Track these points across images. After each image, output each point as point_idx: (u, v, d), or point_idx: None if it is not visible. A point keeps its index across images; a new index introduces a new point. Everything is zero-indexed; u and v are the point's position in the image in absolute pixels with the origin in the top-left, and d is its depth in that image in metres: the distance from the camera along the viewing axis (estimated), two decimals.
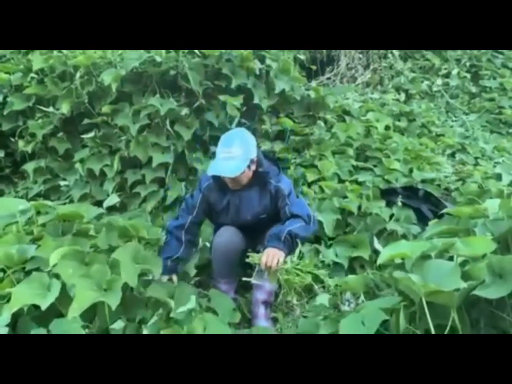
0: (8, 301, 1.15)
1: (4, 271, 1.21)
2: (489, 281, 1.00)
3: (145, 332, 1.10)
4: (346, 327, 1.11)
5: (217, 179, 1.78)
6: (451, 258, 1.17)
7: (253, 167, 1.76)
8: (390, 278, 1.27)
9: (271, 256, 1.50)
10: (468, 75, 5.77)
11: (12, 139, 3.03)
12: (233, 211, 1.79)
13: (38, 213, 1.55)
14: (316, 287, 1.53)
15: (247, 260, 1.57)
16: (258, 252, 1.59)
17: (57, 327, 0.99)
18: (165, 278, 1.63)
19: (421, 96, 5.34)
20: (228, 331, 1.23)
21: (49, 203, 1.66)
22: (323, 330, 1.18)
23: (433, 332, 1.06)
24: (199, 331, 1.11)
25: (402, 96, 5.11)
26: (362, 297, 1.49)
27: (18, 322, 1.12)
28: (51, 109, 2.94)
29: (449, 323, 1.05)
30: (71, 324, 1.00)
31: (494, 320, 1.18)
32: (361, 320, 1.11)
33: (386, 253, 1.26)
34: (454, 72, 5.72)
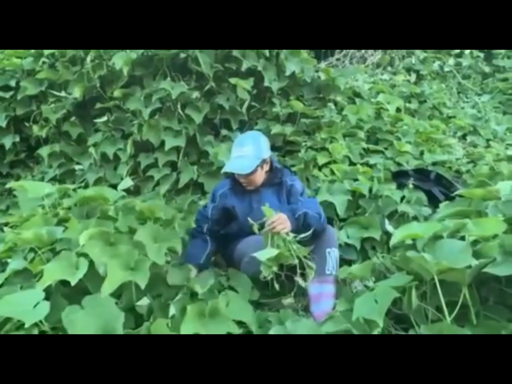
0: (39, 278, 1.22)
1: (34, 251, 1.28)
2: (500, 259, 1.03)
3: (171, 309, 1.16)
4: (360, 305, 1.16)
5: (234, 184, 1.84)
6: (462, 239, 1.20)
7: (266, 168, 1.81)
8: (401, 260, 1.30)
9: (281, 220, 1.51)
10: (481, 55, 5.64)
11: (27, 124, 3.08)
12: (256, 211, 1.78)
13: (62, 196, 1.61)
14: (296, 276, 1.46)
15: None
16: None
17: (90, 303, 1.06)
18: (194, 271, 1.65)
19: (432, 76, 5.25)
20: (249, 308, 1.29)
21: (70, 186, 1.72)
22: (340, 307, 1.23)
23: (444, 309, 1.10)
24: (222, 307, 1.17)
25: (413, 77, 5.03)
26: (371, 282, 1.52)
27: (50, 300, 1.18)
28: (63, 93, 2.98)
29: (460, 300, 1.10)
30: (103, 299, 1.06)
31: (503, 298, 1.22)
32: (373, 298, 1.16)
33: (399, 234, 1.30)
34: (467, 51, 5.59)
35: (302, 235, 1.54)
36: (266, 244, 1.47)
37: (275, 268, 1.41)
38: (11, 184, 1.65)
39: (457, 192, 1.57)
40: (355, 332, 1.07)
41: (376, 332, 1.00)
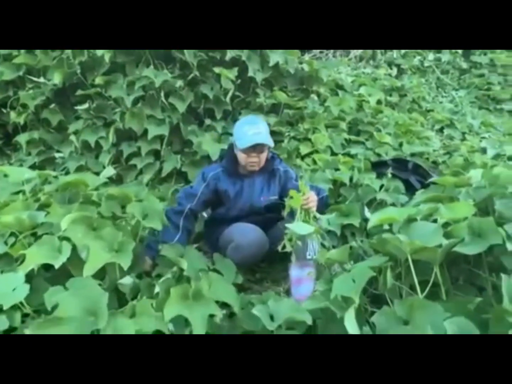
0: (21, 263, 1.21)
1: (15, 235, 1.27)
2: (468, 240, 1.10)
3: (157, 288, 1.18)
4: (338, 284, 1.21)
5: (228, 167, 1.87)
6: (435, 222, 1.26)
7: (267, 153, 1.87)
8: (378, 243, 1.36)
9: (312, 198, 1.61)
10: (460, 51, 5.79)
11: (4, 110, 2.99)
12: (247, 196, 1.87)
13: (43, 182, 1.59)
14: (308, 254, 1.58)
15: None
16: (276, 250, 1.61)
17: (74, 284, 1.06)
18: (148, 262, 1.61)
19: (413, 71, 5.37)
20: (232, 289, 1.32)
21: (51, 173, 1.70)
22: (319, 287, 1.28)
23: (417, 287, 1.17)
24: (205, 288, 1.20)
25: (394, 71, 5.14)
26: (349, 265, 1.59)
27: (32, 284, 1.18)
28: (42, 79, 2.90)
29: (432, 279, 1.16)
30: (86, 281, 1.07)
31: (471, 277, 1.29)
32: (351, 278, 1.21)
33: (375, 218, 1.35)
34: None
35: (320, 215, 1.68)
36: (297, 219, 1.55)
37: (299, 242, 1.50)
38: None
39: (431, 180, 1.64)
40: (333, 308, 1.12)
41: (352, 308, 1.05)
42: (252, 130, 1.80)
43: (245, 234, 1.76)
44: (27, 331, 0.95)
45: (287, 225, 1.47)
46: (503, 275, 0.96)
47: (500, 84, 5.11)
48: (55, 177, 1.67)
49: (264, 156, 1.84)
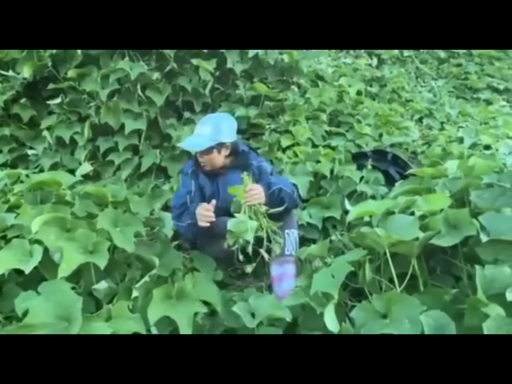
0: None
1: None
2: (444, 232, 1.11)
3: (135, 292, 1.15)
4: (318, 280, 1.21)
5: (198, 167, 1.81)
6: (412, 214, 1.27)
7: (225, 153, 1.77)
8: (357, 237, 1.37)
9: (256, 191, 1.52)
10: None
11: None
12: (222, 194, 1.80)
13: (14, 182, 1.52)
14: (261, 250, 1.48)
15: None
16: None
17: (46, 288, 1.02)
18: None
19: (393, 61, 5.40)
20: (215, 288, 1.31)
21: (22, 171, 1.63)
22: (300, 283, 1.28)
23: (395, 280, 1.18)
24: (188, 288, 1.18)
25: (375, 61, 5.15)
26: (330, 260, 1.59)
27: (3, 289, 1.14)
28: (11, 72, 2.77)
29: (410, 271, 1.17)
30: (60, 285, 1.03)
31: (448, 267, 1.31)
32: (330, 273, 1.21)
33: (354, 211, 1.36)
34: None
35: (275, 210, 1.56)
36: (238, 212, 1.47)
37: (241, 240, 1.41)
38: None
39: (409, 171, 1.65)
40: (312, 304, 1.12)
41: (331, 304, 1.05)
42: (196, 130, 1.76)
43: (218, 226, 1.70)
44: None
45: (228, 220, 1.42)
46: (477, 267, 0.98)
47: (477, 74, 5.21)
48: (27, 176, 1.60)
49: (210, 158, 1.74)
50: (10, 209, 1.36)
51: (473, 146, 2.81)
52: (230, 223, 1.42)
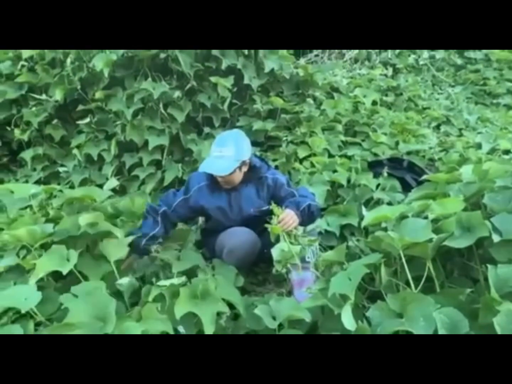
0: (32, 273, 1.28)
1: (26, 248, 1.33)
2: (457, 234, 1.14)
3: (155, 290, 1.24)
4: (335, 283, 1.25)
5: (211, 181, 1.82)
6: (427, 218, 1.31)
7: (245, 169, 1.79)
8: (373, 241, 1.40)
9: (289, 217, 1.55)
10: None
11: (8, 128, 3.08)
12: (236, 208, 1.83)
13: (49, 197, 1.65)
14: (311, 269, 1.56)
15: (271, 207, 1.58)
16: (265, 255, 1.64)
17: (81, 290, 1.12)
18: (132, 259, 1.61)
19: (408, 70, 5.42)
20: (236, 291, 1.38)
21: (56, 187, 1.77)
22: (318, 286, 1.33)
23: (411, 282, 1.21)
24: (212, 288, 1.25)
25: (390, 71, 5.18)
26: (347, 265, 1.63)
27: (44, 294, 1.25)
28: (44, 96, 2.99)
29: (425, 273, 1.20)
30: (94, 287, 1.13)
31: (466, 270, 1.34)
32: (347, 276, 1.25)
33: (369, 216, 1.40)
34: None
35: (310, 227, 1.64)
36: (277, 241, 1.54)
37: (288, 265, 1.49)
38: None
39: (424, 177, 1.69)
40: (330, 306, 1.17)
41: (348, 304, 1.09)
42: (215, 152, 1.72)
43: (235, 237, 1.76)
44: None
45: (273, 251, 1.49)
46: (489, 266, 1.00)
47: (496, 79, 5.14)
48: (60, 191, 1.74)
49: (232, 177, 1.74)
50: (49, 222, 1.48)
51: (492, 151, 2.79)
52: (275, 253, 1.48)
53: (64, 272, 1.19)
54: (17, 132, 3.01)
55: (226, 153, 1.70)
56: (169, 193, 1.88)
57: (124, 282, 1.26)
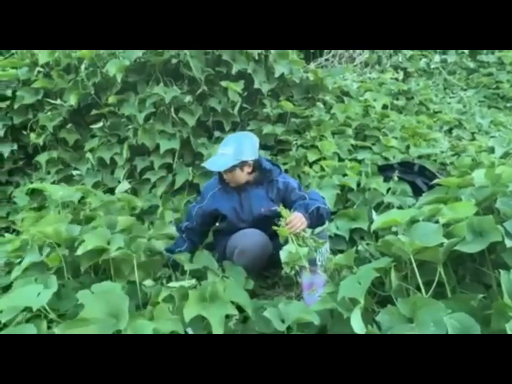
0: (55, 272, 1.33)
1: (51, 246, 1.38)
2: (469, 238, 1.13)
3: (165, 291, 1.27)
4: (345, 286, 1.25)
5: (222, 183, 1.93)
6: (437, 222, 1.30)
7: (248, 170, 1.87)
8: (383, 245, 1.40)
9: (298, 220, 1.59)
10: (466, 51, 5.78)
11: (24, 132, 3.16)
12: (247, 208, 1.90)
13: (83, 197, 1.73)
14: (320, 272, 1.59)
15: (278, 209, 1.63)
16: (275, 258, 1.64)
17: (99, 288, 1.16)
18: None
19: (419, 73, 5.39)
20: (245, 293, 1.39)
21: (90, 189, 1.84)
22: (327, 290, 1.33)
23: (422, 287, 1.20)
24: (221, 290, 1.27)
25: (401, 75, 5.16)
26: (356, 269, 1.62)
27: (62, 292, 1.28)
28: (59, 101, 3.05)
29: (436, 278, 1.19)
30: (111, 285, 1.20)
31: (477, 275, 1.32)
32: (357, 280, 1.25)
33: (379, 220, 1.40)
34: None
35: (318, 229, 1.66)
36: (286, 243, 1.56)
37: (297, 267, 1.52)
38: (33, 185, 1.74)
39: (435, 181, 1.67)
40: (340, 309, 1.17)
41: (358, 308, 1.09)
42: (220, 150, 1.87)
43: (247, 238, 1.81)
44: (56, 331, 1.04)
45: (281, 253, 1.52)
46: (502, 271, 0.99)
47: (509, 82, 5.07)
48: (96, 195, 1.82)
49: (233, 175, 1.85)
50: (86, 221, 1.55)
51: (505, 155, 2.75)
52: (283, 255, 1.51)
53: (112, 249, 1.28)
54: (32, 136, 3.08)
55: (226, 152, 1.82)
56: (188, 208, 2.05)
57: (149, 284, 1.34)
